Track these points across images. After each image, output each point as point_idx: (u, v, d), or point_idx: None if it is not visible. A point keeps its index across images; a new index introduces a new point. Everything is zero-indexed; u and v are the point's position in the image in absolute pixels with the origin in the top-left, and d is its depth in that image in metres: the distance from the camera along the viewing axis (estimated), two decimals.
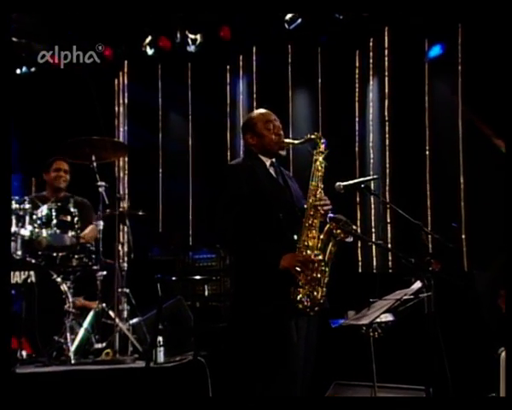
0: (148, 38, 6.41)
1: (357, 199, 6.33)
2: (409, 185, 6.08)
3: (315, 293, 2.92)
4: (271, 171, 3.15)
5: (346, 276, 5.24)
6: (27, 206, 4.33)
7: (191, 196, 6.91)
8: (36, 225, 4.33)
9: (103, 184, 4.53)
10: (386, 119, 6.28)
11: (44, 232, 4.33)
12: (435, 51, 6.11)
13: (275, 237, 2.97)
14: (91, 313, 4.34)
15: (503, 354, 3.32)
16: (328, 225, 3.00)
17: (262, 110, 3.22)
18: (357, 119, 6.43)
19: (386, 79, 6.29)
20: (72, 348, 4.10)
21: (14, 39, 5.30)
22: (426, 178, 6.12)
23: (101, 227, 4.52)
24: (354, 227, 3.04)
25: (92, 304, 4.41)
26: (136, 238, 4.98)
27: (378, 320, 3.33)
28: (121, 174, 6.90)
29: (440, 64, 6.07)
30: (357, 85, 6.43)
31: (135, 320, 4.56)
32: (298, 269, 2.89)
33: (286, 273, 2.90)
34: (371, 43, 6.36)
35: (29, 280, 4.12)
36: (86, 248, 4.53)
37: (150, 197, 6.78)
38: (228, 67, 6.87)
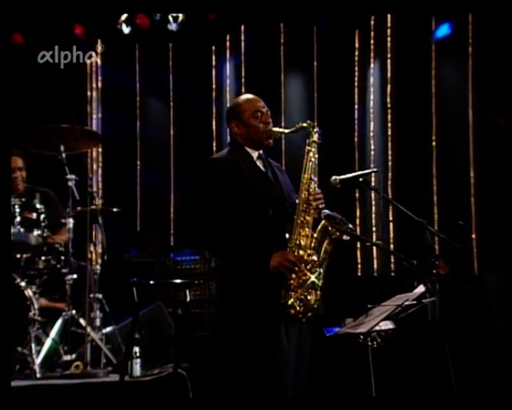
0: (124, 15, 6.39)
1: (356, 195, 6.34)
2: (413, 180, 6.10)
3: (308, 297, 2.92)
4: (259, 164, 3.15)
5: (343, 280, 5.27)
6: None
7: (172, 192, 6.89)
8: None
9: (73, 177, 4.51)
10: (389, 106, 6.29)
11: None
12: (443, 31, 6.13)
13: (263, 236, 2.96)
14: (59, 321, 4.33)
15: None
16: (322, 222, 2.99)
17: (249, 96, 3.22)
18: (356, 106, 6.44)
19: (389, 61, 6.30)
20: (38, 361, 4.09)
21: None
22: (432, 172, 6.14)
23: (72, 226, 4.51)
24: (350, 226, 3.03)
25: (59, 305, 4.40)
26: (111, 238, 4.96)
27: (377, 328, 3.34)
28: (94, 167, 6.87)
29: (449, 45, 6.09)
30: (356, 69, 6.44)
31: (108, 329, 4.56)
32: (289, 269, 2.89)
33: (276, 275, 2.90)
34: (372, 22, 6.37)
35: None
36: (54, 248, 4.51)
37: (127, 193, 6.75)
38: (213, 47, 6.85)
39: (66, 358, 4.24)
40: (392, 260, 6.13)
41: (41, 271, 4.47)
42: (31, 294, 4.25)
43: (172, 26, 6.42)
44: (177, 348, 4.30)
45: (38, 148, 4.66)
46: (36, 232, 4.42)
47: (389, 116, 6.30)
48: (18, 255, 4.36)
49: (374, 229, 6.23)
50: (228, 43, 6.83)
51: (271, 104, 3.23)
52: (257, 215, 2.99)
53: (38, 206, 4.48)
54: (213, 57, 6.86)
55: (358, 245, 6.28)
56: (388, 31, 6.27)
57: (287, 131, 3.16)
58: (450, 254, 4.48)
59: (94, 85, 6.93)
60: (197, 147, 6.66)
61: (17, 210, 4.38)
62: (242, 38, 6.74)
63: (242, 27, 6.70)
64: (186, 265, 5.65)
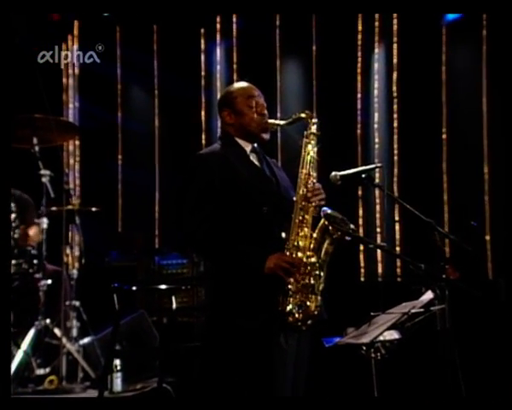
0: None
1: (359, 193, 6.35)
2: (421, 176, 6.11)
3: (308, 303, 2.92)
4: (253, 158, 3.16)
5: (344, 285, 5.28)
6: None
7: (158, 189, 6.90)
8: None
9: (48, 173, 4.51)
10: (395, 95, 6.30)
11: None
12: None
13: (258, 237, 2.97)
14: (32, 332, 4.33)
15: None
16: (322, 221, 3.00)
17: (243, 83, 3.24)
18: (359, 95, 6.45)
19: (395, 46, 6.31)
20: None
21: None
22: (442, 167, 6.15)
23: (46, 226, 4.51)
24: (352, 227, 3.04)
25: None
26: (89, 240, 4.96)
27: (381, 339, 3.34)
28: (71, 161, 6.86)
29: (460, 28, 6.11)
30: (359, 54, 6.45)
31: (86, 340, 4.56)
32: (286, 271, 2.89)
33: (272, 280, 2.90)
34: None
35: None
36: (26, 251, 4.52)
37: (107, 190, 6.75)
38: (202, 30, 6.85)
39: (40, 372, 4.25)
40: (398, 263, 6.14)
41: (12, 276, 4.46)
42: None
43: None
44: (162, 360, 4.31)
45: None
46: None
47: (395, 106, 6.31)
48: None
49: (378, 230, 6.25)
50: (218, 26, 6.83)
51: (266, 93, 3.24)
52: (250, 214, 3.00)
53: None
54: (202, 41, 6.86)
55: (361, 248, 6.30)
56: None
57: (282, 122, 3.16)
58: (461, 257, 4.50)
59: (70, 72, 6.92)
60: (184, 140, 6.66)
61: None
62: (234, 20, 6.74)
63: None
64: (172, 269, 5.65)
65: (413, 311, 3.24)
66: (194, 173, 3.05)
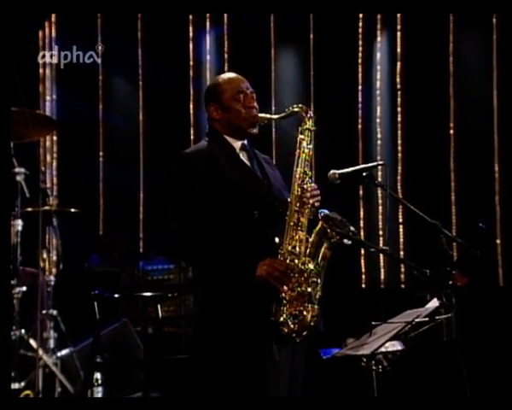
0: None
1: (360, 193, 6.36)
2: (427, 174, 6.12)
3: (304, 313, 2.92)
4: (242, 156, 3.16)
5: (344, 292, 5.29)
6: None
7: (142, 189, 6.90)
8: None
9: (22, 171, 4.50)
10: (398, 87, 6.32)
11: None
12: None
13: (249, 242, 2.96)
14: None
15: None
16: (319, 224, 3.00)
17: (230, 75, 3.23)
18: (359, 87, 6.46)
19: (399, 34, 6.33)
20: None
21: None
22: (449, 165, 6.17)
23: (20, 228, 4.50)
24: (353, 229, 3.05)
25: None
26: (68, 243, 4.96)
27: (383, 350, 3.35)
28: (47, 158, 6.86)
29: (469, 14, 6.12)
30: (360, 43, 6.46)
31: (64, 352, 4.55)
32: (278, 279, 2.89)
33: (264, 288, 2.90)
34: None
35: None
36: None
37: (87, 190, 6.75)
38: (190, 17, 6.86)
39: (14, 386, 4.23)
40: (402, 269, 6.16)
41: None
42: None
43: None
44: (147, 374, 4.30)
45: None
46: None
47: (399, 99, 6.34)
48: None
49: (380, 232, 6.27)
50: (208, 13, 6.83)
51: (260, 85, 3.25)
52: (240, 217, 2.99)
53: None
54: (190, 28, 6.86)
55: (362, 252, 6.31)
56: None
57: (275, 116, 3.16)
58: (469, 262, 4.51)
59: (47, 61, 6.90)
60: (171, 135, 6.66)
61: None
62: None
63: None
64: (158, 275, 5.66)
65: (417, 320, 3.25)
66: (180, 174, 3.04)
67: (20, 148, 4.59)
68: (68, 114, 6.70)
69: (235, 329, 2.89)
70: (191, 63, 6.86)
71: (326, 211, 3.04)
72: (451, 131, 6.19)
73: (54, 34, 6.84)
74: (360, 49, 6.46)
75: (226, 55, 6.75)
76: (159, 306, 4.93)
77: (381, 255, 6.21)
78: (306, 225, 3.00)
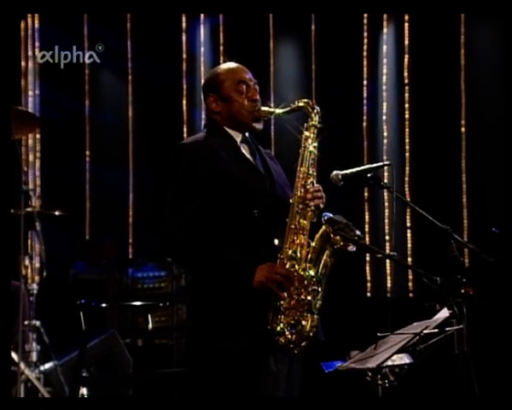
0: None
1: (365, 195, 6.37)
2: (436, 176, 6.13)
3: (303, 322, 2.92)
4: (243, 150, 3.15)
5: (348, 302, 5.29)
6: None
7: (131, 190, 6.90)
8: None
9: None
10: (406, 81, 6.33)
11: None
12: None
13: (247, 243, 2.96)
14: None
15: None
16: (323, 228, 3.01)
17: (232, 64, 3.23)
18: (365, 81, 6.48)
19: (406, 25, 6.34)
20: None
21: None
22: (461, 166, 6.18)
23: None
24: (358, 233, 3.05)
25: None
26: (52, 249, 4.95)
27: (389, 363, 3.36)
28: (30, 158, 6.86)
29: (481, 4, 6.13)
30: (365, 34, 6.48)
31: (48, 366, 4.56)
32: (278, 285, 2.90)
33: (262, 294, 2.90)
34: None
35: None
36: None
37: (72, 191, 6.75)
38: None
39: None
40: (410, 276, 6.17)
41: None
42: None
43: None
44: (136, 388, 4.30)
45: None
46: None
47: (406, 94, 6.35)
48: None
49: (387, 237, 6.28)
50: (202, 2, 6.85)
51: (258, 79, 3.24)
52: (239, 216, 2.99)
53: None
54: (183, 19, 6.87)
55: (368, 258, 6.32)
56: None
57: (279, 111, 3.15)
58: (481, 269, 4.52)
59: (30, 53, 6.91)
60: (163, 133, 6.66)
61: None
62: None
63: None
64: (148, 283, 5.66)
65: (426, 331, 3.26)
66: (176, 166, 3.03)
67: None
68: (52, 110, 6.70)
69: (226, 337, 2.89)
70: (184, 56, 6.86)
71: (330, 214, 3.04)
72: (463, 129, 6.21)
73: (37, 25, 6.84)
74: (365, 41, 6.47)
75: (221, 48, 6.75)
76: (149, 316, 4.94)
77: (388, 262, 6.22)
78: (308, 228, 3.00)
